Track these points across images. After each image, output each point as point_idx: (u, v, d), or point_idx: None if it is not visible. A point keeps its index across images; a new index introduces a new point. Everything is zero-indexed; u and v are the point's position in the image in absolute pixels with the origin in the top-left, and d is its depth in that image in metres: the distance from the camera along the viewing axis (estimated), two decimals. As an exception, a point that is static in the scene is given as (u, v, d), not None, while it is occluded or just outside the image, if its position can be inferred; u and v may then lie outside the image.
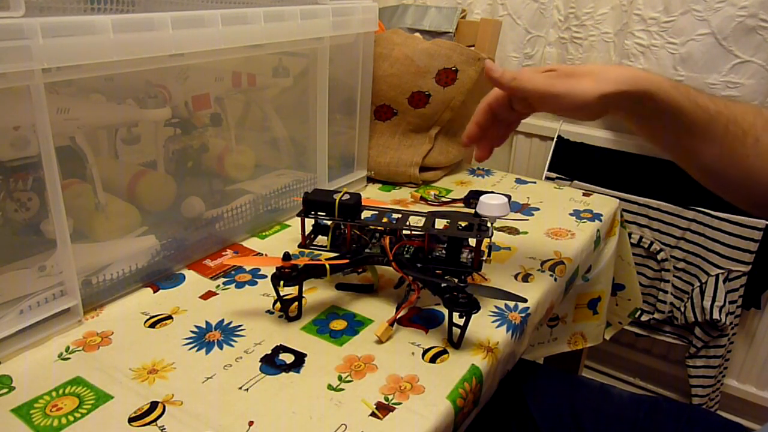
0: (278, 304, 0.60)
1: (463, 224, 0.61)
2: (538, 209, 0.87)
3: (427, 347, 0.55)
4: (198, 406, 0.47)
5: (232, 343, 0.55)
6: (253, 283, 0.65)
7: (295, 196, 0.81)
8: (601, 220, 0.84)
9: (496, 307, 0.61)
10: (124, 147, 0.69)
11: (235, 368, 0.51)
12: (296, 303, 0.59)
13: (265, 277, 0.66)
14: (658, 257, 1.26)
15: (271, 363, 0.52)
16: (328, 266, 0.57)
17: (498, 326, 0.58)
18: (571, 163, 1.31)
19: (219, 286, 0.65)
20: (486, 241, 0.59)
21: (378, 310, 0.60)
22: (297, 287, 0.58)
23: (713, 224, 1.17)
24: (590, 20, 1.23)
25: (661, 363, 1.44)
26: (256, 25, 0.64)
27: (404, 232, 0.62)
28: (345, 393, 0.49)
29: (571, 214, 0.85)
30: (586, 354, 1.10)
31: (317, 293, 0.63)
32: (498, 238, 0.77)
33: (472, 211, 0.63)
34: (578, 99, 0.50)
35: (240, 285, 0.65)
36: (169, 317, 0.59)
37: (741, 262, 1.17)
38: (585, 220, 0.83)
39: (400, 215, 0.64)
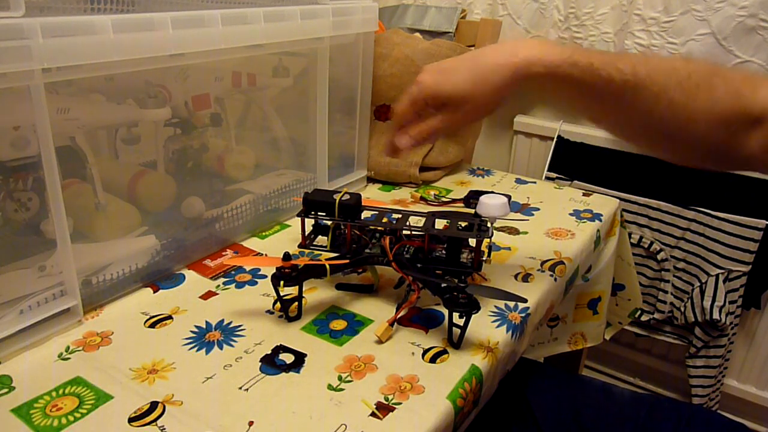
0: (278, 304, 0.60)
1: (463, 224, 0.61)
2: (538, 209, 0.87)
3: (427, 347, 0.55)
4: (198, 406, 0.47)
5: (232, 343, 0.55)
6: (253, 283, 0.65)
7: (295, 196, 0.81)
8: (601, 220, 0.84)
9: (496, 307, 0.61)
10: (124, 147, 0.69)
11: (235, 368, 0.51)
12: (296, 303, 0.59)
13: (265, 277, 0.66)
14: (658, 257, 1.26)
15: (271, 363, 0.52)
16: (328, 266, 0.57)
17: (498, 326, 0.58)
18: (571, 163, 1.31)
19: (219, 286, 0.65)
20: (486, 241, 0.59)
21: (378, 310, 0.60)
22: (297, 287, 0.58)
23: (713, 224, 1.17)
24: (590, 20, 1.23)
25: (661, 363, 1.44)
26: (256, 25, 0.64)
27: (404, 232, 0.62)
28: (345, 393, 0.49)
29: (571, 214, 0.85)
30: (586, 354, 1.10)
31: (317, 293, 0.63)
32: (498, 238, 0.77)
33: (472, 211, 0.63)
34: (492, 104, 0.53)
35: (240, 285, 0.65)
36: (169, 317, 0.59)
37: (741, 262, 1.17)
38: (585, 220, 0.83)
39: (400, 215, 0.64)
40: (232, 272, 0.67)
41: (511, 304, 0.61)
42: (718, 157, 0.52)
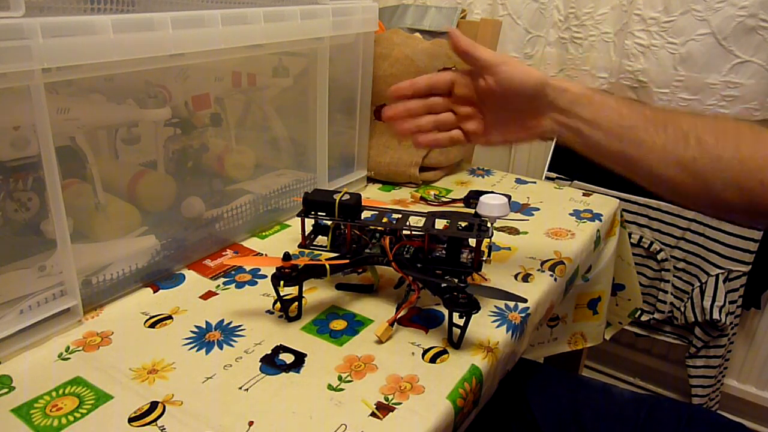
0: (278, 304, 0.60)
1: (463, 224, 0.61)
2: (538, 209, 0.87)
3: (427, 347, 0.55)
4: (198, 406, 0.47)
5: (232, 343, 0.55)
6: (253, 283, 0.65)
7: (295, 196, 0.81)
8: (601, 220, 0.84)
9: (496, 307, 0.61)
10: (124, 147, 0.69)
11: (235, 368, 0.51)
12: (296, 303, 0.59)
13: (265, 277, 0.66)
14: (658, 257, 1.26)
15: (271, 363, 0.52)
16: (328, 266, 0.57)
17: (498, 326, 0.58)
18: (571, 163, 1.31)
19: (219, 286, 0.65)
20: (486, 241, 0.59)
21: (378, 310, 0.60)
22: (297, 287, 0.58)
23: (713, 224, 1.17)
24: (590, 20, 1.23)
25: (661, 363, 1.44)
26: (256, 25, 0.64)
27: (404, 232, 0.62)
28: (345, 393, 0.49)
29: (571, 214, 0.85)
30: (586, 354, 1.10)
31: (317, 293, 0.63)
32: (498, 238, 0.77)
33: (472, 211, 0.63)
34: (527, 76, 0.53)
35: (240, 285, 0.65)
36: (169, 317, 0.59)
37: (741, 262, 1.17)
38: (585, 220, 0.83)
39: (400, 215, 0.64)
40: (232, 272, 0.67)
41: (511, 304, 0.61)
42: (750, 209, 0.50)
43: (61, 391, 0.48)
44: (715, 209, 0.53)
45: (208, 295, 0.63)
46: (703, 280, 1.21)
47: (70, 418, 0.46)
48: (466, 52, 0.56)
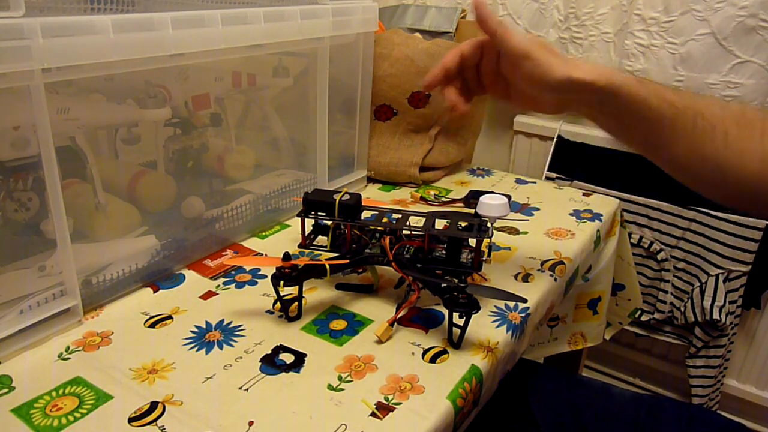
0: (278, 304, 0.60)
1: (463, 224, 0.61)
2: (538, 209, 0.87)
3: (427, 347, 0.55)
4: (198, 406, 0.47)
5: (232, 343, 0.55)
6: (253, 283, 0.65)
7: (295, 196, 0.81)
8: (601, 220, 0.84)
9: (496, 307, 0.61)
10: (124, 147, 0.69)
11: (235, 368, 0.52)
12: (296, 303, 0.59)
13: (265, 277, 0.66)
14: (658, 257, 1.26)
15: (271, 363, 0.52)
16: (328, 266, 0.57)
17: (498, 326, 0.58)
18: (571, 163, 1.31)
19: (219, 286, 0.65)
20: (486, 241, 0.59)
21: (378, 310, 0.60)
22: (297, 287, 0.58)
23: (713, 224, 1.17)
24: (590, 20, 1.23)
25: (661, 363, 1.44)
26: (256, 25, 0.64)
27: (404, 232, 0.62)
28: (345, 393, 0.49)
29: (571, 214, 0.85)
30: (586, 354, 1.10)
31: (317, 293, 0.63)
32: (498, 238, 0.77)
33: (472, 211, 0.63)
34: (549, 74, 0.51)
35: (240, 285, 0.65)
36: (169, 317, 0.59)
37: (741, 262, 1.17)
38: (585, 220, 0.83)
39: (400, 215, 0.64)
40: (232, 272, 0.67)
41: (511, 304, 0.61)
42: None
43: (61, 391, 0.48)
44: (736, 201, 0.53)
45: (208, 295, 0.63)
46: (703, 280, 1.21)
47: (70, 418, 0.46)
48: (493, 33, 0.54)
